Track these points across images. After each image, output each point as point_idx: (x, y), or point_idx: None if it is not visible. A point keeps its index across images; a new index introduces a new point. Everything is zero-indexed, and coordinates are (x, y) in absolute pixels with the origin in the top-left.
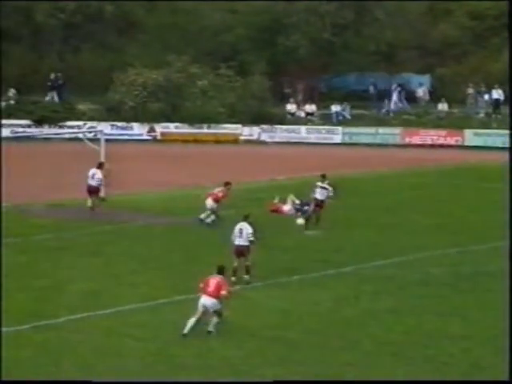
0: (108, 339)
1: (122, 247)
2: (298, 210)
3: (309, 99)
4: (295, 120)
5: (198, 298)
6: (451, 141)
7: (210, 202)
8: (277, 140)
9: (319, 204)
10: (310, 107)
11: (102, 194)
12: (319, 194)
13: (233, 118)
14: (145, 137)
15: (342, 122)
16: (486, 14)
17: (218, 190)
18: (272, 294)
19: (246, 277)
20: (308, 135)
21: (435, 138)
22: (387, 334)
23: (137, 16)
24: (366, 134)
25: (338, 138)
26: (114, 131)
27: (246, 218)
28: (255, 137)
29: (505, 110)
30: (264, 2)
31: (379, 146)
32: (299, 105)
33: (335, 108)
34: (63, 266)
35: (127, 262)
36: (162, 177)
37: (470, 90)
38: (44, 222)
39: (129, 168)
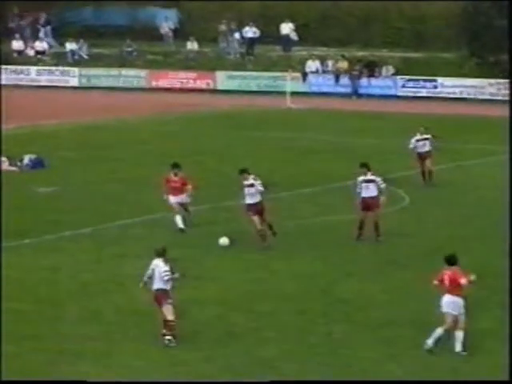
0: None
1: None
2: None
3: (39, 35)
4: (23, 60)
5: None
6: (202, 84)
7: None
8: (2, 83)
9: None
10: (41, 45)
11: None
12: None
13: None
14: None
15: (78, 62)
16: None
17: None
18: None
19: None
20: (39, 77)
21: (184, 80)
22: (132, 303)
23: None
24: (106, 76)
25: (74, 81)
26: None
27: None
28: None
29: (259, 49)
30: None
31: (122, 89)
32: (27, 42)
33: (70, 46)
34: None
35: None
36: None
37: (223, 27)
38: None
39: None
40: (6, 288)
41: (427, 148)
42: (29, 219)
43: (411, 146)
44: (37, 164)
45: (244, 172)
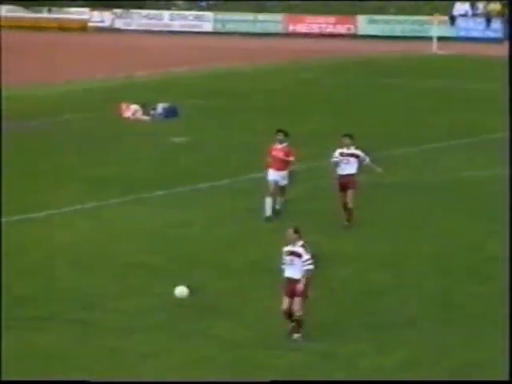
0: None
1: None
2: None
3: None
4: (155, 4)
5: None
6: (342, 29)
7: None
8: (134, 28)
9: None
10: None
11: None
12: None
13: None
14: None
15: (212, 6)
16: None
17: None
18: (132, 213)
19: None
20: (172, 22)
21: (323, 25)
22: (266, 260)
23: None
24: (242, 21)
25: (208, 26)
26: None
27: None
28: (107, 24)
29: None
30: None
31: (258, 35)
32: None
33: None
34: None
35: None
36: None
37: None
38: None
39: None
40: (137, 240)
41: None
42: (161, 170)
43: None
44: (170, 113)
45: (346, 136)
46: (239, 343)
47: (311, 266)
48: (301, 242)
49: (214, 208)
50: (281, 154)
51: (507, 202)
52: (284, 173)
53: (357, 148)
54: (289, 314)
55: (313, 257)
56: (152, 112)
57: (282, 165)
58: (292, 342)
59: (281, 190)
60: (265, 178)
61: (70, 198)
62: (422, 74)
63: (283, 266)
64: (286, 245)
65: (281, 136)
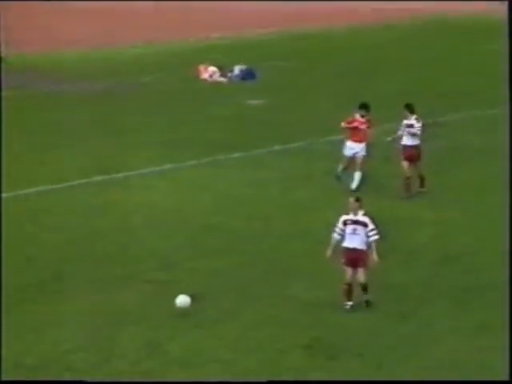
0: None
1: (23, 119)
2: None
3: None
4: None
5: None
6: None
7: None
8: None
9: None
10: None
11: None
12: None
13: None
14: None
15: None
16: None
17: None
18: (208, 175)
19: None
20: None
21: None
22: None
23: None
24: None
25: None
26: None
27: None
28: None
29: None
30: None
31: None
32: None
33: None
34: None
35: (30, 136)
36: (70, 34)
37: None
38: None
39: (30, 24)
40: (213, 202)
41: None
42: (237, 132)
43: None
44: (247, 75)
45: (407, 108)
46: (314, 303)
47: (377, 236)
48: (363, 211)
49: (291, 170)
50: (363, 126)
51: None
52: (363, 144)
53: (417, 119)
54: (350, 289)
55: (376, 226)
56: (229, 74)
57: (363, 137)
58: (366, 305)
59: (359, 160)
60: (342, 141)
61: (147, 160)
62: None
63: (337, 236)
64: (347, 214)
65: (363, 110)
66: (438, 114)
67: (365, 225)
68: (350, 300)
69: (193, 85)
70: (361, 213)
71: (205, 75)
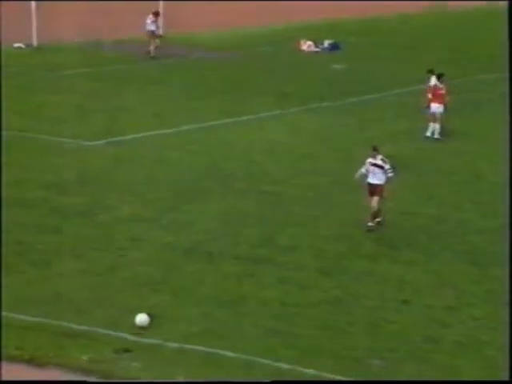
0: (168, 152)
1: (180, 77)
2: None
3: None
4: None
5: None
6: None
7: None
8: None
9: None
10: None
11: (159, 33)
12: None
13: None
14: None
15: None
16: None
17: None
18: (305, 118)
19: None
20: None
21: None
22: (402, 152)
23: None
24: None
25: None
26: None
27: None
28: None
29: None
30: None
31: None
32: None
33: None
34: (130, 92)
35: (184, 89)
36: (211, 18)
37: None
38: (112, 55)
39: (184, 9)
40: (308, 137)
41: None
42: (326, 88)
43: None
44: (334, 47)
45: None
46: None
47: (392, 174)
48: (380, 156)
49: (365, 115)
50: (443, 91)
51: None
52: (442, 105)
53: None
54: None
55: (392, 167)
56: (321, 46)
57: (443, 100)
58: (377, 225)
59: (440, 117)
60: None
61: (262, 107)
62: None
63: (363, 170)
64: (372, 157)
65: (440, 80)
66: (469, 75)
67: (381, 167)
68: (372, 222)
69: (295, 54)
70: (379, 157)
71: (303, 47)
